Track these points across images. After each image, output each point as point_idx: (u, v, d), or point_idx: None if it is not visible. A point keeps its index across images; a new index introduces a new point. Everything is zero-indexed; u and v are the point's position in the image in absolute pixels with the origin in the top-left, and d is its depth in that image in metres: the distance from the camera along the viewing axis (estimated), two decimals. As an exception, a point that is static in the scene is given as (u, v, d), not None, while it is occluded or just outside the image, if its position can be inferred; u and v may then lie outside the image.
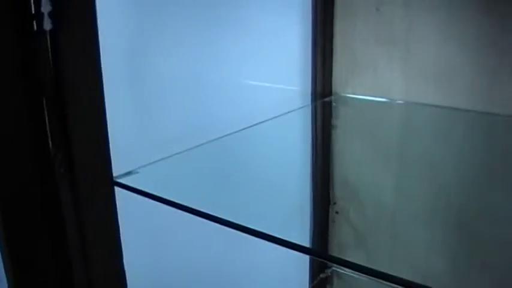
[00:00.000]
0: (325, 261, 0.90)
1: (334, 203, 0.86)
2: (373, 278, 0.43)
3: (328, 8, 0.75)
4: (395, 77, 0.74)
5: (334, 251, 0.88)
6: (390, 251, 0.83)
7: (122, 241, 0.49)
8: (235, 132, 0.63)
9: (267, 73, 0.74)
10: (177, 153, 0.56)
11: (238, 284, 0.73)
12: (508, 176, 0.68)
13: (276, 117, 0.71)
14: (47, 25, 0.39)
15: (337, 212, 0.86)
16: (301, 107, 0.78)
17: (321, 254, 0.72)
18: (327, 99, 0.80)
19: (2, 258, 0.42)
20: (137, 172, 0.51)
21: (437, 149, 0.74)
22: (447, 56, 0.69)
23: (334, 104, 0.80)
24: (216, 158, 0.63)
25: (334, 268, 0.88)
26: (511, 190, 0.68)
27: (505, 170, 0.69)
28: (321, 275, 0.87)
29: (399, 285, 0.44)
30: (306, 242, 0.85)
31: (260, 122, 0.68)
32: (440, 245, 0.78)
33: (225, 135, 0.63)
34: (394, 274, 0.40)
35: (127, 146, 0.52)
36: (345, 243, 0.86)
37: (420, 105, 0.73)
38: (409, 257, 0.81)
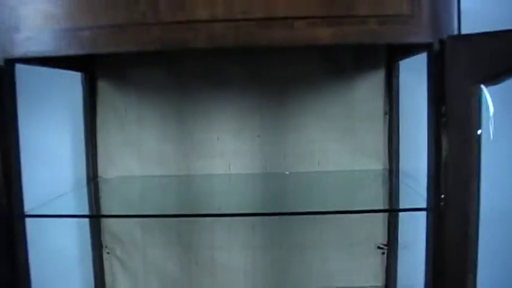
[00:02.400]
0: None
1: (106, 247, 1.37)
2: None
3: (94, 126, 1.33)
4: (135, 162, 1.35)
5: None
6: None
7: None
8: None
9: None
10: None
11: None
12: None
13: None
14: None
15: (108, 253, 1.37)
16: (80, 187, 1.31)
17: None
18: (97, 180, 1.34)
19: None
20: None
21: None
22: (158, 146, 1.33)
23: (100, 183, 1.34)
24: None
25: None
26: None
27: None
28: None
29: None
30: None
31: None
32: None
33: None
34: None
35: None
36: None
37: (151, 177, 1.34)
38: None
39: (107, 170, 1.35)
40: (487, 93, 0.81)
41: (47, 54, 0.88)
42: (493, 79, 0.78)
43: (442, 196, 0.81)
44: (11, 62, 0.89)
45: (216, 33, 0.81)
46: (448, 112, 0.80)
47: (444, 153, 0.81)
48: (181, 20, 0.82)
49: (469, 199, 0.79)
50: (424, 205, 0.87)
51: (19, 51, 0.88)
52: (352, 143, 1.29)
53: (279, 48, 1.00)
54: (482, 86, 0.79)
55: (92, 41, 0.84)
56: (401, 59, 1.22)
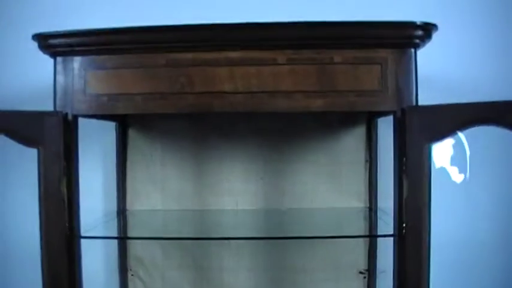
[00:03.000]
0: None
1: (130, 269, 1.61)
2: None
3: (124, 167, 1.60)
4: (158, 198, 1.61)
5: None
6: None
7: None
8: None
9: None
10: None
11: None
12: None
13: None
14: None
15: (132, 275, 1.61)
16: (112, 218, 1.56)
17: None
18: (125, 213, 1.60)
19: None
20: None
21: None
22: (178, 185, 1.60)
23: (128, 215, 1.60)
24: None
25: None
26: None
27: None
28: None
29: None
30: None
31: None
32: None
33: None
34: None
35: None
36: None
37: (170, 210, 1.60)
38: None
39: (134, 204, 1.61)
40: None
41: (105, 112, 1.16)
42: (439, 139, 1.07)
43: (404, 225, 1.08)
44: (76, 117, 1.17)
45: (237, 101, 1.10)
46: (407, 163, 1.08)
47: (405, 193, 1.08)
48: (210, 91, 1.10)
49: (423, 226, 1.06)
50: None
51: (84, 109, 1.15)
52: (339, 185, 1.56)
53: (283, 113, 1.27)
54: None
55: (143, 104, 1.13)
56: (379, 117, 1.51)
